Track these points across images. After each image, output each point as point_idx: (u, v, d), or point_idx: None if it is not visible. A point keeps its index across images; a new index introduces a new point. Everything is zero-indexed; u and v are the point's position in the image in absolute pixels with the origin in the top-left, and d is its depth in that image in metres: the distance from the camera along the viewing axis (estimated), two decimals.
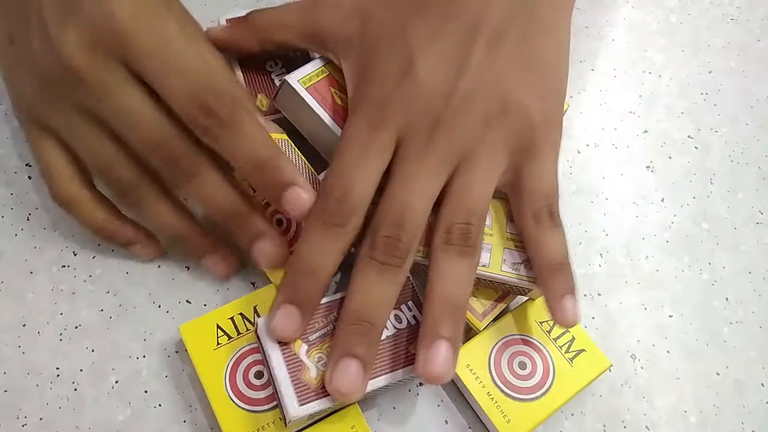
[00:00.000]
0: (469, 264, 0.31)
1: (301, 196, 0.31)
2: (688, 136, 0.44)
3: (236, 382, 0.31)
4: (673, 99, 0.45)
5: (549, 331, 0.34)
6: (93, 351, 0.33)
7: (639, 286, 0.38)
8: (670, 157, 0.43)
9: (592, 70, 0.45)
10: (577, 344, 0.34)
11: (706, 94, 0.46)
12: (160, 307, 0.34)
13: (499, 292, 0.34)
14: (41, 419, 0.31)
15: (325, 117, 0.34)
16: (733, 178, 0.43)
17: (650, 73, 0.46)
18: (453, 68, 0.32)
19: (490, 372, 0.33)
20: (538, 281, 0.32)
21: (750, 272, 0.40)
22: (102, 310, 0.34)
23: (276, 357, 0.29)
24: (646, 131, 0.44)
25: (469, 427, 0.33)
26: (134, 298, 0.34)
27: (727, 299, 0.39)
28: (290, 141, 0.35)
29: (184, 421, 0.32)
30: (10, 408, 0.31)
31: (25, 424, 0.31)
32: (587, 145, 0.43)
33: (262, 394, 0.30)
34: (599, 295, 0.38)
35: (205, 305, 0.34)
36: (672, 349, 0.37)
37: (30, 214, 0.35)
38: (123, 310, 0.34)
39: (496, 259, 0.33)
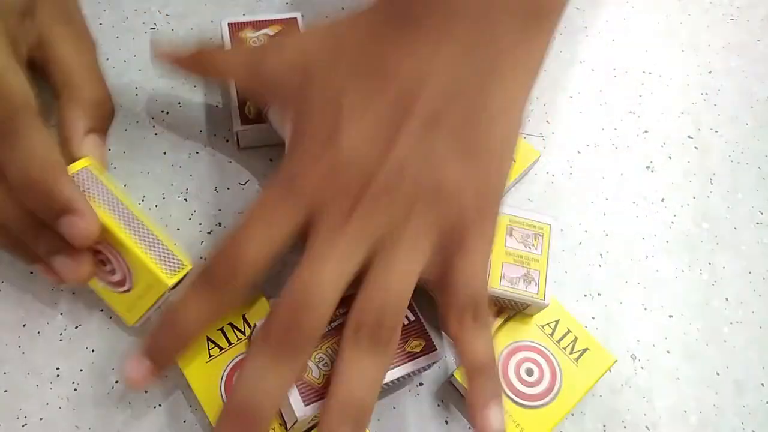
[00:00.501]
0: (377, 364, 0.28)
1: (76, 225, 0.28)
2: (688, 136, 0.44)
3: None
4: (673, 99, 0.45)
5: (551, 334, 0.34)
6: (93, 351, 0.33)
7: (639, 286, 0.38)
8: (670, 157, 0.43)
9: (592, 70, 0.45)
10: (580, 344, 0.34)
11: (706, 94, 0.46)
12: (159, 307, 0.34)
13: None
14: (41, 419, 0.31)
15: None
16: (733, 178, 0.43)
17: (650, 73, 0.46)
18: (381, 143, 0.29)
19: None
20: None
21: (750, 272, 0.40)
22: (102, 310, 0.34)
23: None
24: (646, 131, 0.44)
25: (469, 428, 0.33)
26: None
27: (727, 299, 0.39)
28: (96, 169, 0.32)
29: (184, 421, 0.32)
30: (10, 408, 0.31)
31: (25, 424, 0.31)
32: (587, 145, 0.43)
33: None
34: (599, 295, 0.38)
35: None
36: (672, 349, 0.37)
37: None
38: None
39: (494, 275, 0.33)
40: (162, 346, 0.29)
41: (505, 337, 0.34)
